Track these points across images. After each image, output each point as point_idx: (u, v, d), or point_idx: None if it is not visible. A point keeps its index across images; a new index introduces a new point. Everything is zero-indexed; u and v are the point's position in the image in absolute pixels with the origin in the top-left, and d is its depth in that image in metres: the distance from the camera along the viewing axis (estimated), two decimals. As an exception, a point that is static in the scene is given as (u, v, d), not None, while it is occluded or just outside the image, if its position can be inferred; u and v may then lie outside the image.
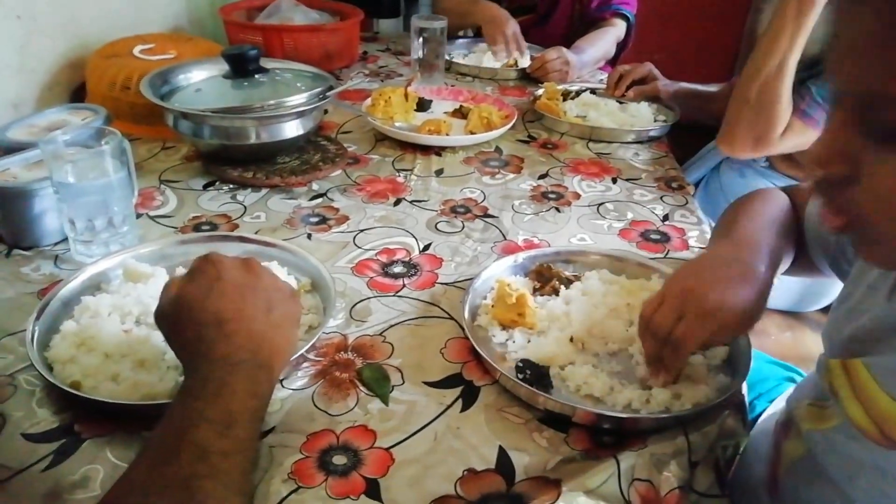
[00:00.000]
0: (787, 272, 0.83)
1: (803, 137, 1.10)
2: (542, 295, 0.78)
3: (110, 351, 0.63)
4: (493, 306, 0.74)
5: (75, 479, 0.53)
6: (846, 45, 0.41)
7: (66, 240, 0.82)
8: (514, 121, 1.24)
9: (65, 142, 0.79)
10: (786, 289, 1.34)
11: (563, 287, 0.78)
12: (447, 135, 1.19)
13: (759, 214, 0.74)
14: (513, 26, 1.60)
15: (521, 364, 0.66)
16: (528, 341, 0.70)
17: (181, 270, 0.77)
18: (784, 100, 1.07)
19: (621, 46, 1.76)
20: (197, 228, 0.90)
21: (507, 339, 0.71)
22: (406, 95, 1.26)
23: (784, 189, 0.81)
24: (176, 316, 0.54)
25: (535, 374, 0.65)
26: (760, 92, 1.08)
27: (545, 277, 0.80)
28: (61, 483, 0.52)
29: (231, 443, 0.46)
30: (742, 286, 0.61)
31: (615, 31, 1.70)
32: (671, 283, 0.64)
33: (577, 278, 0.80)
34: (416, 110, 1.29)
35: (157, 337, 0.66)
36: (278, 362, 0.55)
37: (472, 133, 1.20)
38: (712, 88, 1.43)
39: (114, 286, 0.74)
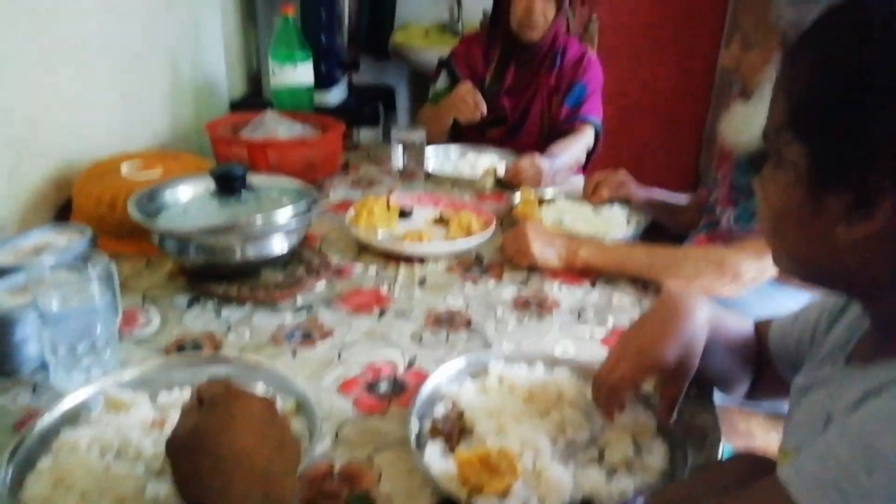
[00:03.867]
0: (760, 396, 0.88)
1: None
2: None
3: (88, 488, 0.61)
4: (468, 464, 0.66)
5: None
6: (776, 91, 0.56)
7: (46, 366, 0.81)
8: (493, 227, 1.27)
9: (50, 266, 0.80)
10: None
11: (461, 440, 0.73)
12: (429, 241, 1.21)
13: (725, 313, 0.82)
14: (466, 86, 1.68)
15: None
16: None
17: (164, 396, 0.76)
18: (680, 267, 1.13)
19: (590, 153, 1.84)
20: (180, 348, 0.90)
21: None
22: (388, 205, 1.30)
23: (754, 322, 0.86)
24: (193, 445, 0.53)
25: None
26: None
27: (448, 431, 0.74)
28: None
29: None
30: (670, 337, 0.74)
31: (585, 138, 1.78)
32: (619, 339, 0.79)
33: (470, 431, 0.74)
34: (399, 218, 1.33)
35: (138, 471, 0.64)
36: None
37: (453, 240, 1.23)
38: (681, 200, 1.50)
39: (93, 417, 0.72)
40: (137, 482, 0.63)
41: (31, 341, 0.81)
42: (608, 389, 0.74)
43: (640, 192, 1.45)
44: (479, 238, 1.24)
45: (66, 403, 0.72)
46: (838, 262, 0.54)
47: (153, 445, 0.67)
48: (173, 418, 0.70)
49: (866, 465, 0.44)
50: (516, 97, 1.82)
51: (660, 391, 0.76)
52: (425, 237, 1.22)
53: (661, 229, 1.46)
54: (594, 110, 1.81)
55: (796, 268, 0.60)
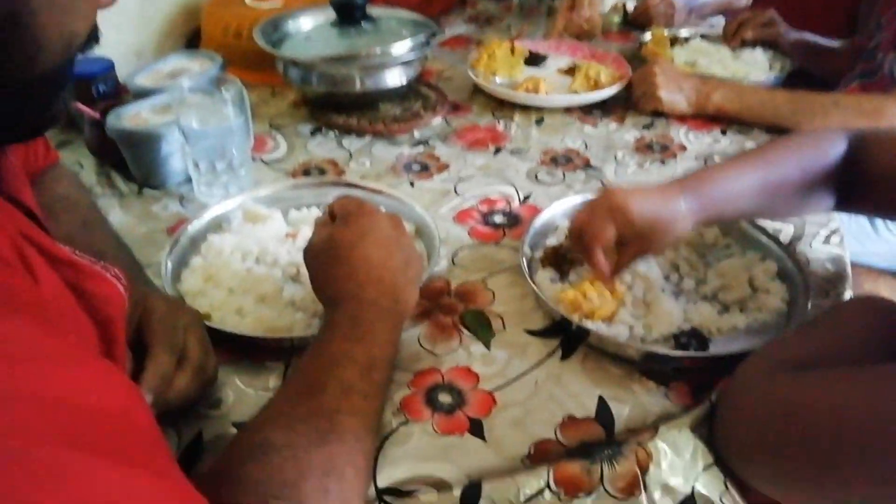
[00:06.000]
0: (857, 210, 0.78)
1: None
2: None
3: (234, 286, 0.69)
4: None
5: (209, 400, 0.59)
6: None
7: (189, 180, 0.88)
8: (624, 83, 1.15)
9: (189, 88, 0.84)
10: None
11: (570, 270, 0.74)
12: (546, 94, 1.14)
13: (771, 164, 0.69)
14: None
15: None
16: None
17: (295, 213, 0.81)
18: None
19: None
20: (306, 173, 0.94)
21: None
22: (512, 49, 1.23)
23: (857, 133, 0.71)
24: (329, 254, 0.58)
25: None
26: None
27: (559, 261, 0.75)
28: (198, 402, 0.58)
29: (371, 385, 0.50)
30: (651, 201, 0.65)
31: None
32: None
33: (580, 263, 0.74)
34: (529, 64, 1.25)
35: (275, 275, 0.71)
36: (407, 315, 0.59)
37: (574, 93, 1.16)
38: (833, 44, 1.32)
39: (234, 226, 0.79)
40: (276, 284, 0.69)
41: (175, 157, 0.88)
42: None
43: (789, 34, 1.30)
44: (602, 94, 1.13)
45: (211, 213, 0.78)
46: None
47: (287, 254, 0.73)
48: (305, 233, 0.75)
49: None
50: None
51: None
52: (542, 88, 1.14)
53: (807, 77, 1.31)
54: None
55: None
